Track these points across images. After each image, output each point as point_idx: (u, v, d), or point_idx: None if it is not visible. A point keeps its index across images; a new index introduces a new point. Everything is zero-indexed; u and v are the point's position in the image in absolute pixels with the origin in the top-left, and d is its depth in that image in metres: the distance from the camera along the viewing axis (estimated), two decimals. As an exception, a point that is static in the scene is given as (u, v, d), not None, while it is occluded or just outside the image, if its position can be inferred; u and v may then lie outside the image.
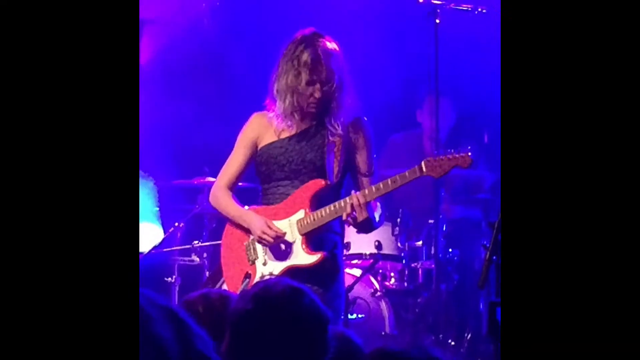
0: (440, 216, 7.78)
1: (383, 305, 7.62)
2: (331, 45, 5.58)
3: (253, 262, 5.62)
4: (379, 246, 7.67)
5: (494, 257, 5.03)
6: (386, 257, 7.74)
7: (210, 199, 5.79)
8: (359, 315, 7.46)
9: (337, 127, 5.57)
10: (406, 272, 7.90)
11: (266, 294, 3.15)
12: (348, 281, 7.31)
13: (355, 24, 8.76)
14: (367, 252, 7.68)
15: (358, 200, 5.40)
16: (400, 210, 7.80)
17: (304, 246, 5.55)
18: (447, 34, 7.81)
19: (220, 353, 3.15)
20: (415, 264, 7.96)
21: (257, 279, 5.54)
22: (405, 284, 7.92)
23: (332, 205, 5.49)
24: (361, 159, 5.65)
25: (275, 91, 5.59)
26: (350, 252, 7.72)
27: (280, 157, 5.61)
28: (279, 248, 5.56)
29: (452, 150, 5.49)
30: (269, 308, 3.11)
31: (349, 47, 8.49)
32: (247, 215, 5.64)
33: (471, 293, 7.93)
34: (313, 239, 5.57)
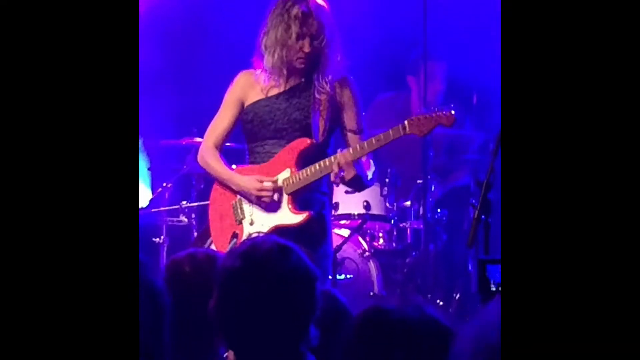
0: (429, 176, 7.77)
1: (371, 265, 7.63)
2: (320, 0, 5.54)
3: (240, 222, 5.62)
4: (367, 206, 7.66)
5: (483, 216, 5.05)
6: (374, 217, 7.74)
7: (198, 159, 5.77)
8: (348, 276, 7.46)
9: (324, 85, 5.55)
10: (395, 232, 7.90)
11: (254, 251, 3.14)
12: (336, 241, 7.31)
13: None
14: (356, 213, 7.68)
15: (345, 158, 5.38)
16: (389, 170, 7.79)
17: (290, 205, 5.54)
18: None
19: (208, 311, 3.15)
20: (404, 224, 7.96)
21: (244, 238, 5.54)
22: (394, 244, 7.92)
23: (318, 164, 5.48)
24: (349, 117, 5.64)
25: (263, 46, 5.55)
26: (339, 212, 7.71)
27: (266, 116, 5.57)
28: (266, 207, 5.55)
29: (436, 109, 5.48)
30: (257, 266, 3.11)
31: (339, 5, 8.47)
32: (236, 177, 5.63)
33: (460, 253, 7.93)
34: (299, 199, 5.57)
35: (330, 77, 5.57)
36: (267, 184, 5.51)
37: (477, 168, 8.10)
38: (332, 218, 7.74)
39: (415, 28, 7.57)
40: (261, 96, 5.62)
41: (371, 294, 7.52)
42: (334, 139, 5.67)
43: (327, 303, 3.42)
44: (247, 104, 5.66)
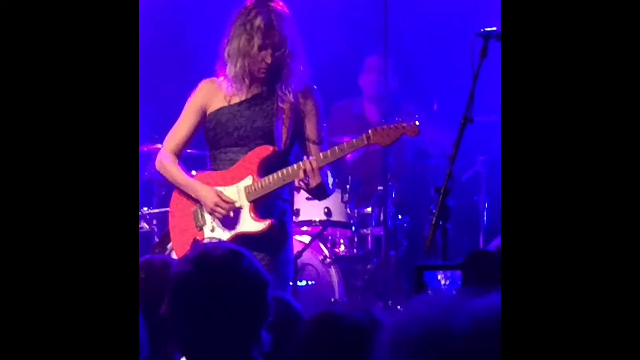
0: (390, 183, 7.79)
1: (332, 271, 7.64)
2: (283, 10, 5.54)
3: (201, 229, 5.61)
4: (328, 213, 7.67)
5: (440, 222, 5.06)
6: (335, 223, 7.75)
7: (156, 164, 5.75)
8: (309, 282, 7.47)
9: (287, 94, 5.55)
10: (355, 238, 7.91)
11: (206, 257, 3.15)
12: (297, 248, 7.32)
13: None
14: (317, 219, 7.68)
15: (311, 166, 5.39)
16: (350, 177, 7.80)
17: (251, 213, 5.53)
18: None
19: (159, 316, 3.15)
20: (365, 230, 7.98)
21: None
22: (355, 250, 7.93)
23: (281, 172, 5.47)
24: (310, 127, 5.64)
25: (226, 55, 5.54)
26: (300, 219, 7.71)
27: (229, 123, 5.57)
28: (227, 215, 5.55)
29: (400, 119, 5.49)
30: (209, 271, 3.11)
31: (299, 14, 8.46)
32: (196, 185, 5.61)
33: (420, 259, 7.94)
34: (261, 206, 5.55)
35: (292, 87, 5.57)
36: (224, 205, 5.53)
37: (436, 174, 8.14)
38: (293, 224, 7.77)
39: (373, 35, 7.57)
40: (224, 104, 5.61)
41: (332, 300, 7.53)
42: (296, 148, 5.67)
43: (281, 309, 3.43)
44: (209, 111, 5.65)
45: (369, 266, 7.98)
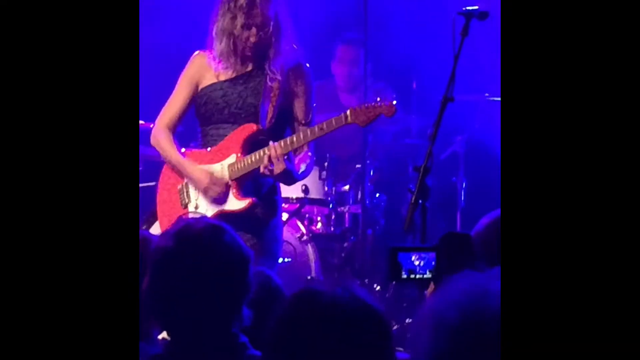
0: (367, 161, 7.79)
1: (309, 249, 7.64)
2: None
3: (186, 206, 5.62)
4: (305, 190, 7.67)
5: (420, 201, 5.06)
6: (313, 201, 7.75)
7: (151, 139, 5.74)
8: (286, 259, 7.46)
9: (275, 73, 5.54)
10: (333, 216, 7.91)
11: (187, 231, 3.14)
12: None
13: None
14: (294, 196, 7.68)
15: (275, 151, 5.38)
16: (328, 155, 7.80)
17: (234, 191, 5.53)
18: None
19: (141, 291, 3.14)
20: (342, 208, 7.98)
21: None
22: (332, 228, 7.93)
23: (258, 152, 5.47)
24: (299, 106, 5.63)
25: (214, 33, 5.55)
26: (277, 196, 7.70)
27: (220, 100, 5.57)
28: (220, 195, 5.53)
29: (378, 99, 5.49)
30: (190, 245, 3.10)
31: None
32: (188, 165, 5.61)
33: (398, 238, 7.95)
34: (246, 184, 5.56)
35: (281, 65, 5.57)
36: (216, 184, 5.52)
37: (415, 153, 8.14)
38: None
39: (351, 14, 7.54)
40: (214, 80, 5.62)
41: (308, 277, 7.54)
42: (286, 127, 5.66)
43: (263, 285, 3.42)
44: (201, 86, 5.65)
45: (345, 244, 7.98)
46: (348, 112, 5.44)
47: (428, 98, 7.99)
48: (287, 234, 7.51)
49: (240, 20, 5.44)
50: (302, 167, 5.62)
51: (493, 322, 2.10)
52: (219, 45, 5.53)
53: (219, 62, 5.57)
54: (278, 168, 5.39)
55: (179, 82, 5.71)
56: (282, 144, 5.42)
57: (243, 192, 5.55)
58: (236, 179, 5.54)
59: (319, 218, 7.97)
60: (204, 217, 3.15)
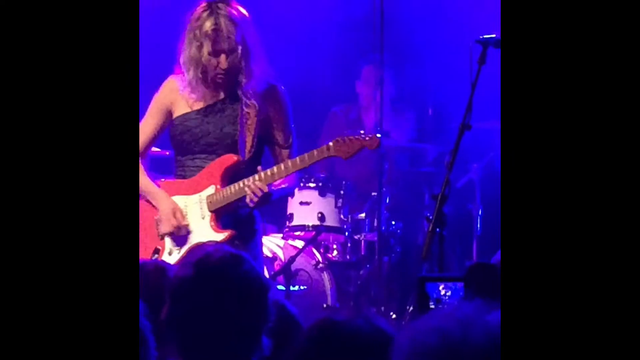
0: (384, 189, 7.77)
1: (325, 277, 7.61)
2: (236, 12, 5.40)
3: (162, 237, 5.50)
4: (321, 218, 7.65)
5: (437, 229, 5.04)
6: (329, 229, 7.73)
7: None
8: (301, 287, 7.44)
9: (249, 97, 5.41)
10: (349, 244, 7.89)
11: (207, 260, 3.12)
12: (290, 253, 7.30)
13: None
14: (310, 224, 7.66)
15: (255, 186, 5.28)
16: (344, 182, 7.79)
17: (212, 223, 5.42)
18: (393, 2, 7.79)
19: (160, 321, 3.12)
20: (358, 236, 7.96)
21: (165, 254, 5.45)
22: (348, 256, 7.91)
23: (238, 184, 5.36)
24: (278, 130, 5.50)
25: (181, 61, 5.42)
26: (293, 223, 7.70)
27: (196, 130, 5.44)
28: (177, 234, 5.45)
29: (362, 132, 5.42)
30: (210, 274, 3.09)
31: (287, 17, 8.44)
32: (157, 195, 5.49)
33: (413, 266, 7.94)
34: (225, 216, 5.46)
35: (254, 89, 5.44)
36: (174, 222, 5.43)
37: (431, 180, 8.12)
38: (287, 229, 7.75)
39: (370, 38, 7.53)
40: (187, 109, 5.49)
41: (324, 305, 7.51)
42: (265, 153, 5.56)
43: (278, 314, 3.40)
44: (175, 114, 5.51)
45: (361, 272, 7.96)
46: (331, 143, 5.35)
47: (444, 125, 7.99)
48: (303, 261, 7.49)
49: (207, 48, 5.32)
50: (284, 185, 5.51)
51: (475, 351, 2.06)
52: (187, 74, 5.39)
53: (189, 91, 5.43)
54: (261, 201, 5.33)
55: (150, 107, 5.55)
56: (263, 176, 5.32)
57: (222, 225, 5.43)
58: (214, 211, 5.43)
59: (334, 246, 7.95)
60: (223, 245, 3.15)
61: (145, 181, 5.49)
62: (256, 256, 5.48)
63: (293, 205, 7.70)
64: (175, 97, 5.51)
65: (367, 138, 5.36)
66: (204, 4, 5.38)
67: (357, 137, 5.36)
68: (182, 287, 3.09)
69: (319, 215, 7.65)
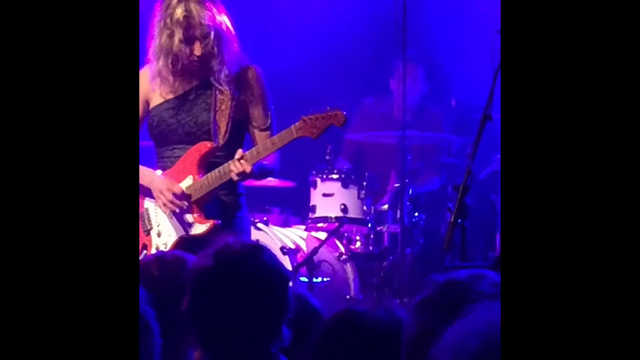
0: (407, 180, 7.76)
1: (348, 268, 7.61)
2: None
3: (148, 233, 5.39)
4: (344, 209, 7.64)
5: (459, 220, 5.04)
6: (352, 220, 7.71)
7: None
8: (324, 279, 7.44)
9: (222, 83, 5.31)
10: (372, 235, 7.88)
11: (227, 251, 3.14)
12: (313, 244, 7.30)
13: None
14: (333, 216, 7.65)
15: (237, 169, 5.18)
16: (367, 173, 7.78)
17: (194, 215, 5.34)
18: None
19: (181, 311, 3.14)
20: (381, 227, 7.95)
21: (153, 250, 5.33)
22: (371, 247, 7.91)
23: (217, 170, 5.27)
24: (255, 112, 5.39)
25: (151, 52, 5.32)
26: (316, 215, 7.69)
27: (172, 120, 5.35)
28: (181, 207, 5.34)
29: (328, 108, 5.26)
30: (230, 265, 3.10)
31: (314, 12, 8.44)
32: (149, 174, 5.37)
33: (436, 257, 7.92)
34: (208, 205, 5.37)
35: (228, 73, 5.32)
36: (176, 194, 5.31)
37: (454, 172, 8.11)
38: (309, 221, 7.75)
39: (394, 30, 7.52)
40: (162, 98, 5.39)
41: (347, 297, 7.51)
42: (245, 137, 5.45)
43: (300, 307, 3.40)
44: (151, 104, 5.40)
45: (385, 263, 7.95)
46: (298, 124, 5.21)
47: (468, 116, 7.97)
48: (326, 253, 7.49)
49: (178, 36, 5.20)
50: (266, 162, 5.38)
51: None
52: (157, 64, 5.28)
53: (160, 82, 5.33)
54: (248, 176, 5.24)
55: None
56: (247, 156, 5.20)
57: (205, 215, 5.34)
58: (196, 202, 5.33)
59: (357, 237, 7.94)
60: (243, 237, 3.16)
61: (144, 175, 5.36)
62: None
63: (316, 197, 7.70)
64: (149, 86, 5.40)
65: (333, 114, 5.21)
66: None
67: (322, 114, 5.22)
68: (202, 279, 3.10)
69: (342, 206, 7.64)
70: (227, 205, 5.40)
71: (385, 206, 7.96)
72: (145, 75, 5.40)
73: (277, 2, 8.88)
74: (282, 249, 7.17)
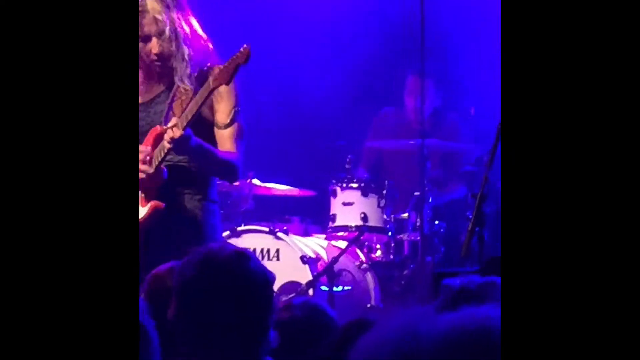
0: (426, 188, 7.77)
1: (369, 277, 7.63)
2: None
3: None
4: (364, 218, 7.66)
5: (477, 228, 5.05)
6: (372, 229, 7.73)
7: None
8: (345, 288, 7.46)
9: (184, 81, 5.09)
10: (392, 244, 7.90)
11: (211, 259, 3.15)
12: (333, 253, 7.33)
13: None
14: (353, 224, 7.67)
15: (168, 134, 4.87)
16: (386, 182, 7.80)
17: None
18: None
19: (167, 321, 3.15)
20: (401, 236, 7.96)
21: None
22: (391, 256, 7.92)
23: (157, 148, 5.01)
24: (219, 109, 5.13)
25: None
26: (336, 224, 7.72)
27: (142, 122, 5.09)
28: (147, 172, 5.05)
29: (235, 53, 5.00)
30: (215, 273, 3.12)
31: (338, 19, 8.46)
32: None
33: (457, 265, 7.93)
34: (151, 188, 5.04)
35: (189, 71, 5.08)
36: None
37: (473, 180, 8.12)
38: (329, 230, 7.77)
39: (411, 39, 7.54)
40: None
41: (368, 305, 7.53)
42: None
43: (315, 316, 3.42)
44: None
45: (405, 272, 7.96)
46: (210, 78, 4.95)
47: (487, 125, 7.97)
48: (346, 262, 7.51)
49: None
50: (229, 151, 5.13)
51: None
52: None
53: None
54: (176, 136, 4.87)
55: None
56: (178, 122, 4.91)
57: (147, 197, 5.05)
58: (145, 191, 5.04)
59: (378, 246, 7.96)
60: (226, 244, 3.19)
61: None
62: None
63: (336, 206, 7.72)
64: None
65: (237, 55, 4.93)
66: None
67: (229, 60, 4.93)
68: (187, 287, 3.12)
69: (362, 215, 7.67)
70: (203, 212, 5.20)
71: (406, 214, 7.97)
72: None
73: (291, 12, 8.90)
74: (302, 258, 7.20)
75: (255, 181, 7.85)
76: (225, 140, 5.11)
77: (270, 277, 3.18)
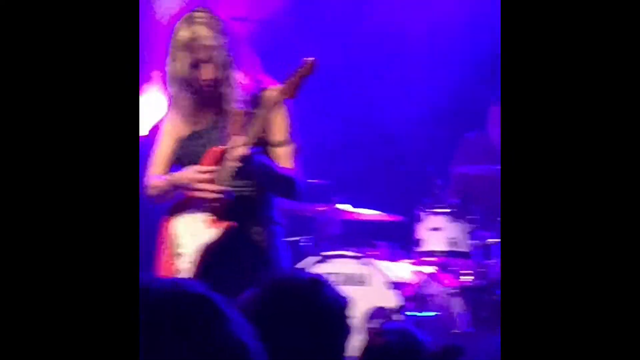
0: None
1: (456, 302, 7.60)
2: (212, 18, 5.01)
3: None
4: (451, 243, 7.64)
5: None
6: (459, 254, 7.71)
7: (151, 190, 5.20)
8: (433, 313, 7.44)
9: (236, 105, 5.03)
10: (480, 269, 7.86)
11: (286, 285, 3.14)
12: (421, 279, 7.31)
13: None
14: (440, 250, 7.65)
15: (237, 152, 4.86)
16: (474, 207, 7.77)
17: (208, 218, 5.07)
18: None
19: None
20: (489, 260, 7.92)
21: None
22: (479, 281, 7.88)
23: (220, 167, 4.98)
24: (275, 130, 5.04)
25: (167, 79, 5.09)
26: (423, 249, 7.70)
27: (201, 149, 5.09)
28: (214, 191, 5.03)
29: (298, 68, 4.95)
30: (290, 300, 3.11)
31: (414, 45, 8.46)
32: (178, 173, 5.11)
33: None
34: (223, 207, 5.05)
35: (240, 94, 5.05)
36: (205, 176, 4.99)
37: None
38: (416, 255, 7.75)
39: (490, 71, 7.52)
40: (189, 130, 5.17)
41: (457, 331, 7.49)
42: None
43: (408, 342, 3.40)
44: (181, 133, 5.18)
45: (494, 297, 7.90)
46: (274, 93, 4.96)
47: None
48: (434, 287, 7.49)
49: (187, 60, 4.96)
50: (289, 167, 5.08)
51: None
52: (174, 94, 5.08)
53: (181, 113, 5.11)
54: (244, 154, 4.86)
55: (162, 130, 5.24)
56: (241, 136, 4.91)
57: (218, 217, 5.03)
58: (215, 210, 5.02)
59: (465, 271, 7.92)
60: (299, 271, 3.17)
61: (176, 175, 5.13)
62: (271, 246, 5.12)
63: (423, 231, 7.71)
64: (170, 117, 5.22)
65: (302, 68, 4.89)
66: (184, 16, 5.04)
67: (293, 73, 4.89)
68: (261, 314, 3.09)
69: (449, 240, 7.64)
70: (265, 233, 5.11)
71: (493, 240, 7.92)
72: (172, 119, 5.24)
73: (376, 37, 8.94)
74: (389, 283, 7.19)
75: (342, 206, 7.88)
76: (281, 158, 5.05)
77: (343, 300, 3.17)
